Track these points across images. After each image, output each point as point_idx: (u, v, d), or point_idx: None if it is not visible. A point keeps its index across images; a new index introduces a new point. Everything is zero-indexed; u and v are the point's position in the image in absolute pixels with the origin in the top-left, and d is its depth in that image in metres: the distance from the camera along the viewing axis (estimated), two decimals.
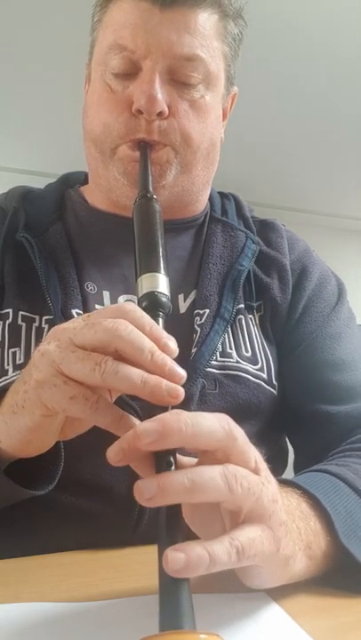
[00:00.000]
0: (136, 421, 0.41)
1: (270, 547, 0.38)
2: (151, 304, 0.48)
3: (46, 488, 0.51)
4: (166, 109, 0.65)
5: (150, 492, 0.34)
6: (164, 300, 0.49)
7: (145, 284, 0.50)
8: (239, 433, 0.38)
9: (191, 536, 0.38)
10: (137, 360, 0.40)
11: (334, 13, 1.92)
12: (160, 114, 0.65)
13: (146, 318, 0.42)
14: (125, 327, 0.40)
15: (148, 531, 0.58)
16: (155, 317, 0.46)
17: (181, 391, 0.39)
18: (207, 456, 0.38)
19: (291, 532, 0.41)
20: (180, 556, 0.32)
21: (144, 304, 0.49)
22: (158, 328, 0.42)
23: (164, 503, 0.35)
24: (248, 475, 0.37)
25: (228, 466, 0.36)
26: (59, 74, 2.14)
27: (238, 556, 0.35)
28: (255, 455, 0.39)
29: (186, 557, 0.33)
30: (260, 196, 2.96)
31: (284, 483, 0.48)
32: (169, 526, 0.35)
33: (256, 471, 0.38)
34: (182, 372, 0.40)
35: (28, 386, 0.43)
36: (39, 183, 0.84)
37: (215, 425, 0.36)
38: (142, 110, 0.65)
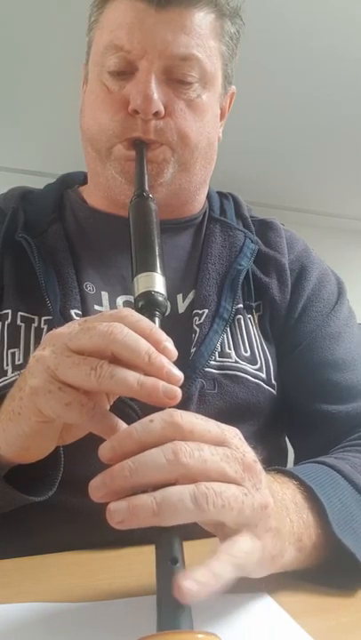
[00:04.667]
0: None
1: (257, 554, 0.38)
2: (148, 303, 0.48)
3: (46, 494, 0.51)
4: (162, 109, 0.65)
5: (121, 515, 0.34)
6: (160, 299, 0.49)
7: (141, 283, 0.50)
8: (192, 458, 0.36)
9: (189, 535, 0.38)
10: (134, 362, 0.39)
11: (335, 13, 1.92)
12: (156, 114, 0.65)
13: (144, 322, 0.42)
14: (121, 330, 0.40)
15: (147, 531, 0.58)
16: (151, 317, 0.46)
17: (179, 392, 0.39)
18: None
19: (280, 534, 0.41)
20: (191, 585, 0.33)
21: (140, 303, 0.49)
22: (158, 330, 0.42)
23: (135, 526, 0.35)
24: (224, 490, 0.36)
25: (199, 485, 0.35)
26: (59, 74, 2.14)
27: (237, 571, 0.36)
28: (231, 467, 0.37)
29: (197, 584, 0.33)
30: (260, 195, 2.95)
31: (282, 472, 0.49)
32: (166, 527, 0.36)
33: (235, 481, 0.37)
34: (180, 374, 0.40)
35: (23, 392, 0.43)
36: (39, 183, 0.84)
37: (160, 461, 0.35)
38: (138, 110, 0.65)
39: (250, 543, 0.37)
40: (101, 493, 0.35)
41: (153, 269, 0.51)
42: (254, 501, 0.38)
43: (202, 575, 0.33)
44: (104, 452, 0.37)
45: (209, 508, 0.34)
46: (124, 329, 0.40)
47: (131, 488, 0.35)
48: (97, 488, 0.36)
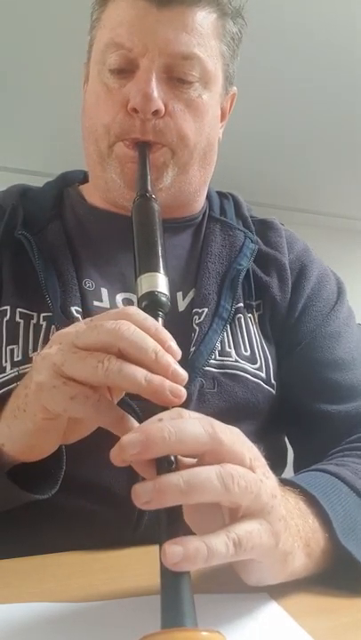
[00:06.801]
0: (136, 423, 0.41)
1: (269, 540, 0.38)
2: (151, 304, 0.49)
3: (49, 492, 0.51)
4: (162, 107, 0.65)
5: (147, 495, 0.34)
6: (163, 299, 0.49)
7: (145, 283, 0.50)
8: (226, 435, 0.37)
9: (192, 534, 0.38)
10: (141, 360, 0.40)
11: (337, 11, 1.91)
12: (156, 112, 0.65)
13: (150, 320, 0.42)
14: (128, 328, 0.40)
15: (148, 531, 0.58)
16: (154, 317, 0.46)
17: (184, 391, 0.39)
18: (203, 457, 0.37)
19: (289, 529, 0.41)
20: (178, 549, 0.33)
21: (144, 304, 0.49)
22: (163, 330, 0.42)
23: (162, 506, 0.35)
24: (245, 473, 0.37)
25: (224, 465, 0.36)
26: (59, 73, 2.14)
27: (236, 549, 0.35)
28: (249, 453, 0.39)
29: (184, 550, 0.33)
30: (261, 195, 2.95)
31: (283, 482, 0.48)
32: (170, 526, 0.35)
33: (252, 468, 0.38)
34: (185, 374, 0.40)
35: (28, 389, 0.43)
36: (39, 183, 0.84)
37: (198, 430, 0.36)
38: (138, 109, 0.64)
39: (255, 524, 0.37)
40: (136, 451, 0.35)
41: (156, 270, 0.51)
42: (267, 488, 0.38)
43: (190, 542, 0.33)
44: (115, 455, 0.37)
45: (234, 488, 0.35)
46: (131, 326, 0.40)
47: (164, 452, 0.36)
48: (132, 445, 0.35)
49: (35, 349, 0.63)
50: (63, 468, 0.51)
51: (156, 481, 0.34)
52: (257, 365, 0.69)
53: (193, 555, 0.33)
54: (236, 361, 0.67)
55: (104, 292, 0.69)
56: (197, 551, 0.33)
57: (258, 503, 0.37)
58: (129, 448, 0.35)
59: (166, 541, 0.34)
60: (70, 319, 0.63)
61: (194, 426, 0.36)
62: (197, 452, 0.37)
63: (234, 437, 0.38)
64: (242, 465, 0.37)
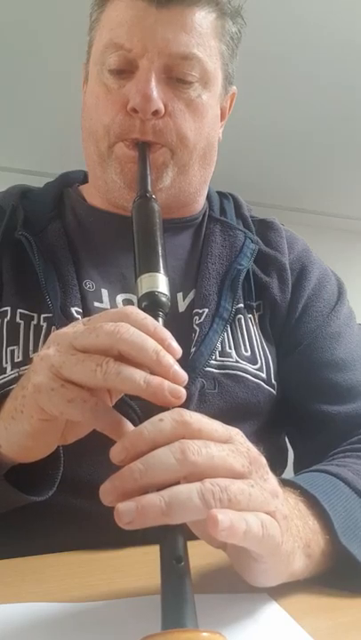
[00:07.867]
0: (132, 428, 0.41)
1: (279, 534, 0.38)
2: (151, 304, 0.48)
3: (46, 494, 0.51)
4: (162, 107, 0.65)
5: (130, 516, 0.34)
6: (163, 299, 0.49)
7: (145, 283, 0.50)
8: (199, 456, 0.36)
9: (192, 536, 0.38)
10: (141, 361, 0.40)
11: (337, 12, 1.91)
12: (155, 112, 0.65)
13: (149, 320, 0.42)
14: (127, 329, 0.40)
15: (147, 531, 0.58)
16: (155, 317, 0.46)
17: (183, 392, 0.39)
18: (186, 478, 0.37)
19: (290, 529, 0.41)
20: (225, 520, 0.33)
21: (144, 304, 0.49)
22: (163, 329, 0.42)
23: (144, 526, 0.34)
24: (229, 485, 0.36)
25: (205, 482, 0.35)
26: (59, 73, 2.14)
27: (263, 530, 0.36)
28: (237, 461, 0.37)
29: (230, 522, 0.33)
30: (260, 195, 2.95)
31: (283, 483, 0.48)
32: (170, 526, 0.35)
33: (243, 475, 0.37)
34: (185, 375, 0.40)
35: (26, 391, 0.43)
36: (39, 183, 0.84)
37: (169, 461, 0.35)
38: (137, 109, 0.65)
39: (265, 516, 0.37)
40: (112, 497, 0.35)
41: (156, 270, 0.51)
42: (263, 491, 0.38)
43: (233, 514, 0.34)
44: (116, 453, 0.37)
45: (215, 504, 0.34)
46: (130, 328, 0.40)
47: (141, 490, 0.35)
48: (107, 492, 0.35)
49: (35, 350, 0.63)
50: (61, 469, 0.51)
51: (139, 502, 0.34)
52: (257, 366, 0.69)
53: (236, 526, 0.34)
54: (237, 361, 0.67)
55: (104, 292, 0.69)
56: (240, 523, 0.34)
57: (252, 510, 0.37)
58: (105, 496, 0.35)
59: (168, 546, 0.34)
60: (70, 320, 0.63)
61: (164, 457, 0.35)
62: (175, 480, 0.36)
63: (212, 452, 0.36)
64: (231, 474, 0.37)
